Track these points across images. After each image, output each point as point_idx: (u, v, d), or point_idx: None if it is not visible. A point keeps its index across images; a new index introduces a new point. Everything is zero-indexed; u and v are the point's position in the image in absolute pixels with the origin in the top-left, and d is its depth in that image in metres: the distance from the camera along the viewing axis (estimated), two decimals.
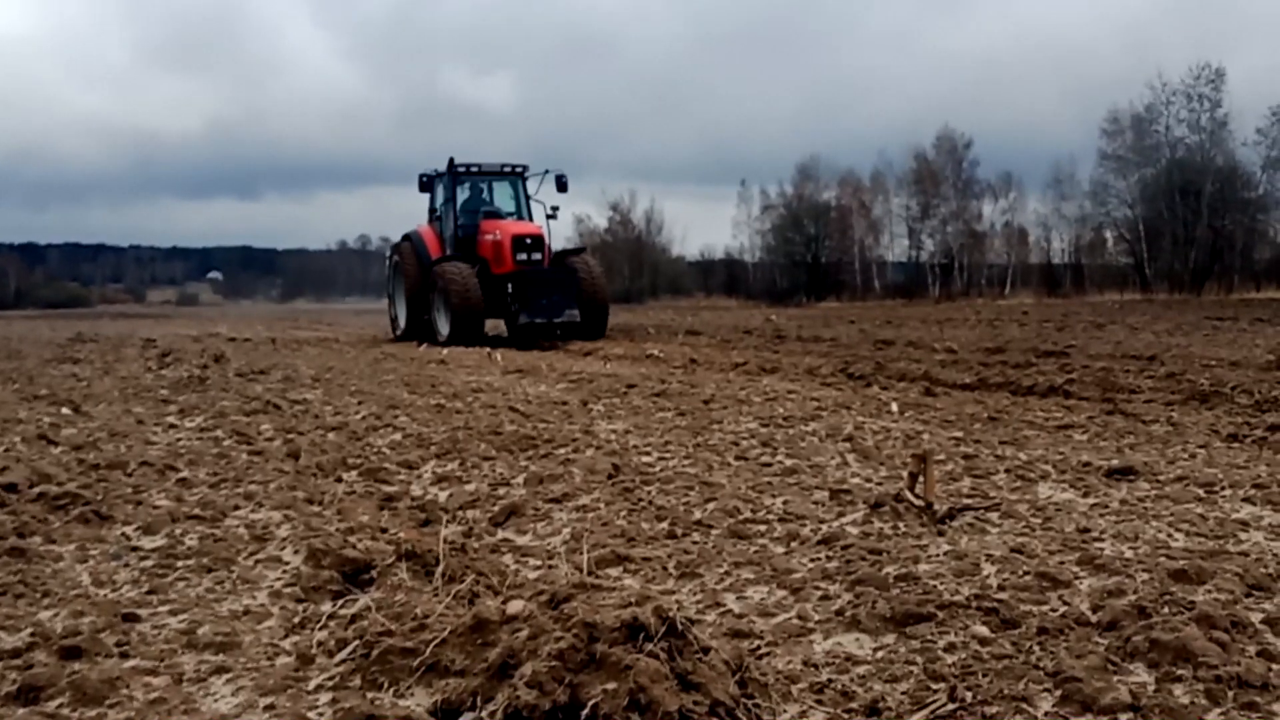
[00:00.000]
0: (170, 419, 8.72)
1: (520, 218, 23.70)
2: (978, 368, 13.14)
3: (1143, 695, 3.07)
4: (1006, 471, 6.50)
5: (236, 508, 5.64)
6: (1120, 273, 50.37)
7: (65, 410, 9.04)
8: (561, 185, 23.48)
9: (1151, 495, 5.81)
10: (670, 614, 3.02)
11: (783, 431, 8.03)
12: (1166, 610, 3.61)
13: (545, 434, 7.64)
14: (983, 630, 3.64)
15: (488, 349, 18.35)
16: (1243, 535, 4.93)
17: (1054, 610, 3.82)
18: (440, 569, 4.08)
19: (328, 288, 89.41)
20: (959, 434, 8.03)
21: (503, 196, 24.27)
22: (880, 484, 6.10)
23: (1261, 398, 9.92)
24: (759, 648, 3.61)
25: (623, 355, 17.04)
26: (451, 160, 23.13)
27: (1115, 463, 6.60)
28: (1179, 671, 3.22)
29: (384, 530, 5.17)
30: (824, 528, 5.10)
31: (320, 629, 3.84)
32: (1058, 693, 3.14)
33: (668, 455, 7.06)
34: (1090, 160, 53.14)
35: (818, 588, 4.23)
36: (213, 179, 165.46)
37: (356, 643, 3.56)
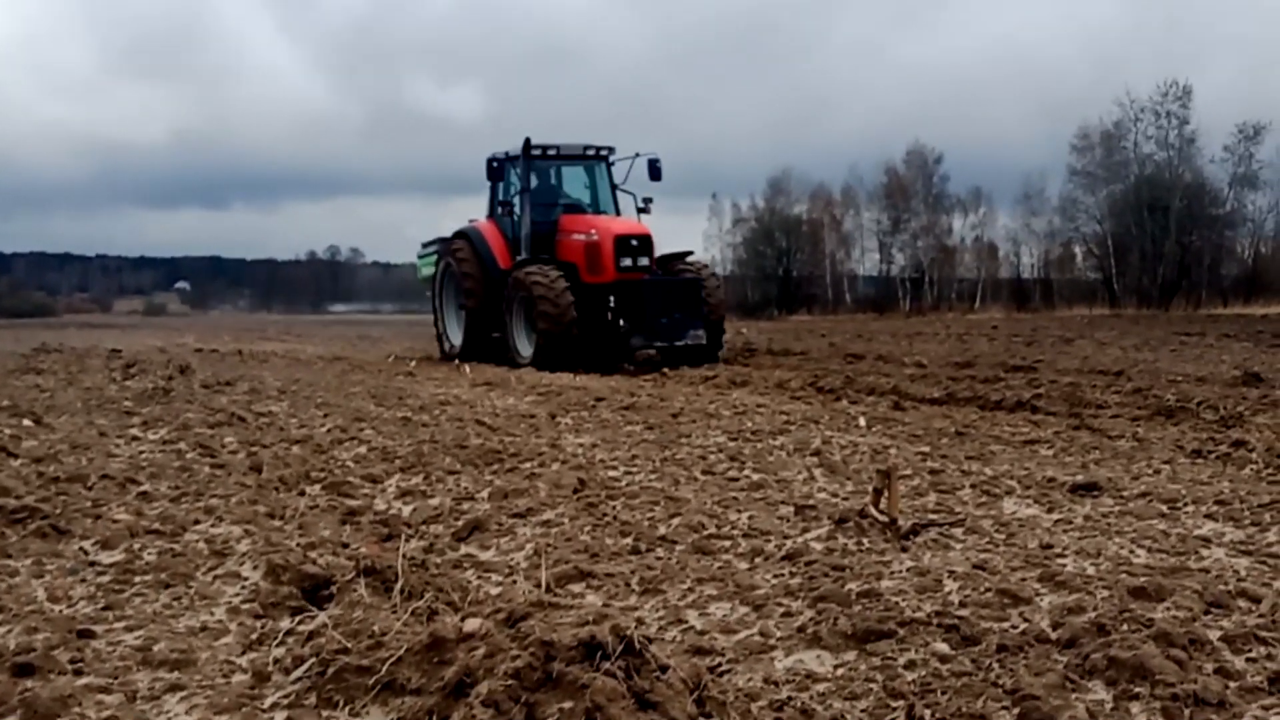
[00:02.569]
0: (133, 431, 8.63)
1: (600, 211, 19.49)
2: (946, 382, 13.18)
3: (1100, 713, 3.07)
4: (972, 487, 6.51)
5: (197, 522, 5.57)
6: (1089, 288, 50.70)
7: (26, 422, 8.92)
8: (655, 172, 19.18)
9: (1115, 511, 5.83)
10: (628, 632, 3.00)
11: (751, 446, 8.03)
12: (1125, 628, 3.61)
13: (511, 448, 7.61)
14: (943, 647, 3.64)
15: (456, 360, 18.16)
16: (1204, 552, 4.95)
17: (1014, 627, 3.82)
18: (399, 585, 4.04)
19: (297, 298, 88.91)
20: (926, 449, 8.04)
21: (579, 185, 20.06)
22: (846, 499, 6.10)
23: (1227, 413, 9.98)
24: (720, 665, 3.60)
25: (593, 368, 17.02)
26: (528, 141, 18.59)
27: (1080, 478, 6.62)
28: (1136, 689, 3.22)
29: (345, 545, 5.14)
30: (788, 543, 5.09)
31: (277, 646, 3.81)
32: (1015, 710, 3.13)
33: (634, 470, 7.04)
34: (1060, 176, 53.55)
35: (780, 604, 4.22)
36: (179, 188, 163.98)
37: (313, 660, 3.52)
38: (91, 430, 8.55)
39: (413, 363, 17.47)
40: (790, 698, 3.32)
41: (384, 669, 3.27)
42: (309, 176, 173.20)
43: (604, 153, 19.52)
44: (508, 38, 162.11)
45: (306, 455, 7.47)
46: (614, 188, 19.70)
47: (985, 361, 16.22)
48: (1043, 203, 52.44)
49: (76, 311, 73.79)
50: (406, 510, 6.01)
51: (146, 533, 5.33)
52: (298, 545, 5.05)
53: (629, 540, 5.18)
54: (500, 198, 19.53)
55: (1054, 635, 3.68)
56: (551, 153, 19.04)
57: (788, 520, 5.62)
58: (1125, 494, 6.25)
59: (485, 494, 6.28)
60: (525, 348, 17.64)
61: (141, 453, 7.60)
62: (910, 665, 3.53)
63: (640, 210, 19.13)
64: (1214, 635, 3.65)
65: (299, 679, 3.46)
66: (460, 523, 5.59)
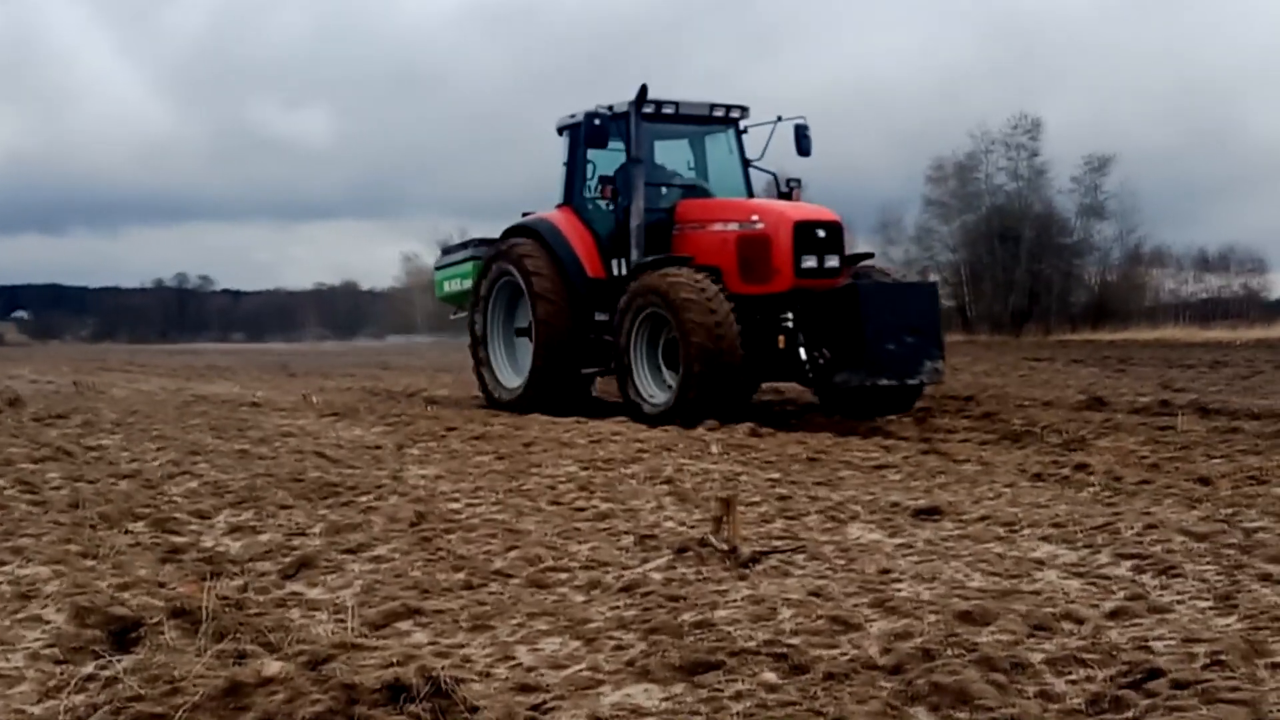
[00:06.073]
0: None
1: (705, 193, 14.04)
2: (802, 408, 13.28)
3: None
4: (819, 513, 6.50)
5: (3, 563, 5.23)
6: (944, 315, 51.99)
7: None
8: (803, 142, 14.10)
9: (955, 535, 5.87)
10: (435, 673, 2.87)
11: (602, 475, 7.92)
12: (950, 653, 3.59)
13: (350, 480, 7.36)
14: (771, 677, 3.57)
15: (305, 392, 16.99)
16: (1037, 574, 4.99)
17: (844, 654, 3.77)
18: (205, 627, 3.83)
19: (144, 327, 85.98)
20: (777, 475, 8.04)
21: (682, 163, 14.64)
22: (693, 527, 6.02)
23: (1070, 437, 10.25)
24: (545, 702, 3.47)
25: (447, 395, 16.69)
26: (644, 90, 13.13)
27: (923, 502, 6.67)
28: (958, 715, 3.19)
29: (162, 585, 4.87)
30: (627, 575, 5.00)
31: (75, 693, 3.57)
32: None
33: (477, 501, 6.87)
34: (915, 206, 54.88)
35: (612, 637, 4.12)
36: (14, 213, 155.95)
37: (106, 708, 3.31)
38: None
39: (258, 393, 16.66)
40: None
41: (178, 716, 3.07)
42: (153, 201, 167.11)
43: (734, 115, 14.13)
44: (358, 61, 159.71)
45: (133, 491, 7.13)
46: (746, 163, 14.35)
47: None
48: (899, 232, 53.55)
49: None
50: (235, 547, 5.75)
51: None
52: (109, 586, 4.77)
53: (462, 575, 5.01)
54: (575, 175, 14.13)
55: (881, 662, 3.65)
56: (669, 111, 13.54)
57: (628, 551, 5.53)
58: (966, 518, 6.31)
59: (318, 529, 6.04)
60: (655, 391, 12.42)
61: None
62: (737, 696, 3.45)
63: (782, 195, 14.19)
64: (1037, 658, 3.65)
65: None
66: (289, 559, 5.36)
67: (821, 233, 12.29)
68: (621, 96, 13.16)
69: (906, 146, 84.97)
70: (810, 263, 12.14)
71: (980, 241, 49.04)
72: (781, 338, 11.92)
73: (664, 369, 12.44)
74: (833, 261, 12.33)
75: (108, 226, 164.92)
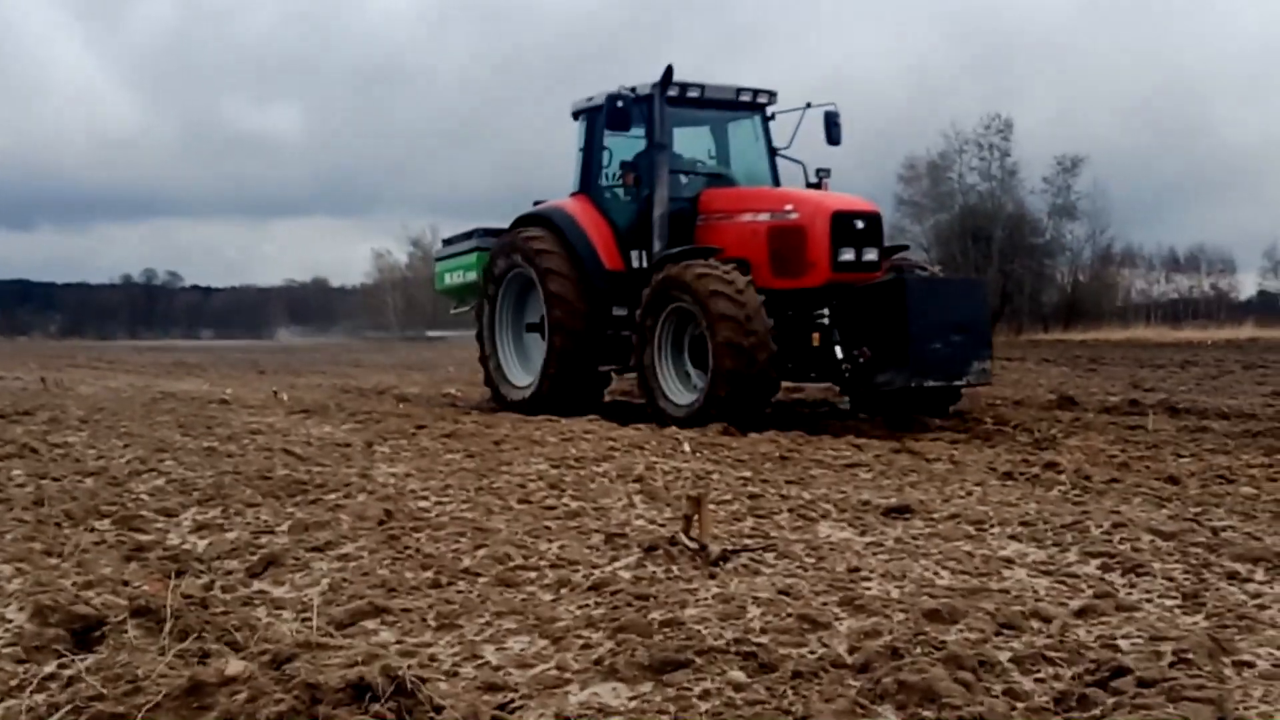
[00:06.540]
0: None
1: (730, 182, 13.40)
2: (775, 407, 13.28)
3: None
4: (789, 511, 6.50)
5: None
6: None
7: None
8: (833, 130, 13.40)
9: (924, 533, 5.87)
10: (398, 673, 2.84)
11: (573, 473, 7.89)
12: (918, 651, 3.59)
13: (318, 478, 7.29)
14: (739, 675, 3.56)
15: (274, 389, 16.65)
16: (1006, 573, 5.00)
17: (812, 653, 3.77)
18: (168, 626, 3.78)
19: (112, 323, 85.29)
20: (748, 474, 8.03)
21: (702, 151, 13.90)
22: (663, 526, 6.00)
23: (1040, 436, 10.32)
24: (512, 701, 3.45)
25: (420, 394, 16.64)
26: (670, 71, 12.55)
27: (894, 501, 6.67)
28: (924, 713, 3.18)
29: (126, 583, 4.81)
30: (596, 573, 4.97)
31: (36, 693, 3.52)
32: None
33: (446, 500, 6.82)
34: (888, 205, 55.18)
35: (580, 636, 4.09)
36: None
37: (67, 708, 3.26)
38: None
39: (228, 391, 16.48)
40: None
41: (139, 716, 3.03)
42: (122, 197, 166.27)
43: (762, 100, 13.40)
44: (329, 58, 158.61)
45: (98, 488, 7.05)
46: (773, 152, 13.59)
47: (814, 386, 16.42)
48: None
49: None
50: (201, 545, 5.69)
51: None
52: (73, 584, 4.71)
53: (429, 574, 4.97)
54: (589, 161, 13.42)
55: (849, 660, 3.64)
56: (694, 95, 12.82)
57: (598, 549, 5.50)
58: (936, 516, 6.31)
59: (285, 527, 5.99)
60: (680, 392, 11.82)
61: None
62: (705, 695, 3.44)
63: (811, 186, 13.17)
64: (1004, 656, 3.66)
65: None
66: (256, 558, 5.31)
67: (860, 224, 11.63)
68: (594, 93, 13.06)
69: (879, 145, 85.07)
70: (848, 255, 11.47)
71: (952, 241, 49.35)
72: (816, 335, 11.31)
73: (690, 368, 11.86)
74: (871, 255, 11.63)
75: (76, 222, 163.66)
